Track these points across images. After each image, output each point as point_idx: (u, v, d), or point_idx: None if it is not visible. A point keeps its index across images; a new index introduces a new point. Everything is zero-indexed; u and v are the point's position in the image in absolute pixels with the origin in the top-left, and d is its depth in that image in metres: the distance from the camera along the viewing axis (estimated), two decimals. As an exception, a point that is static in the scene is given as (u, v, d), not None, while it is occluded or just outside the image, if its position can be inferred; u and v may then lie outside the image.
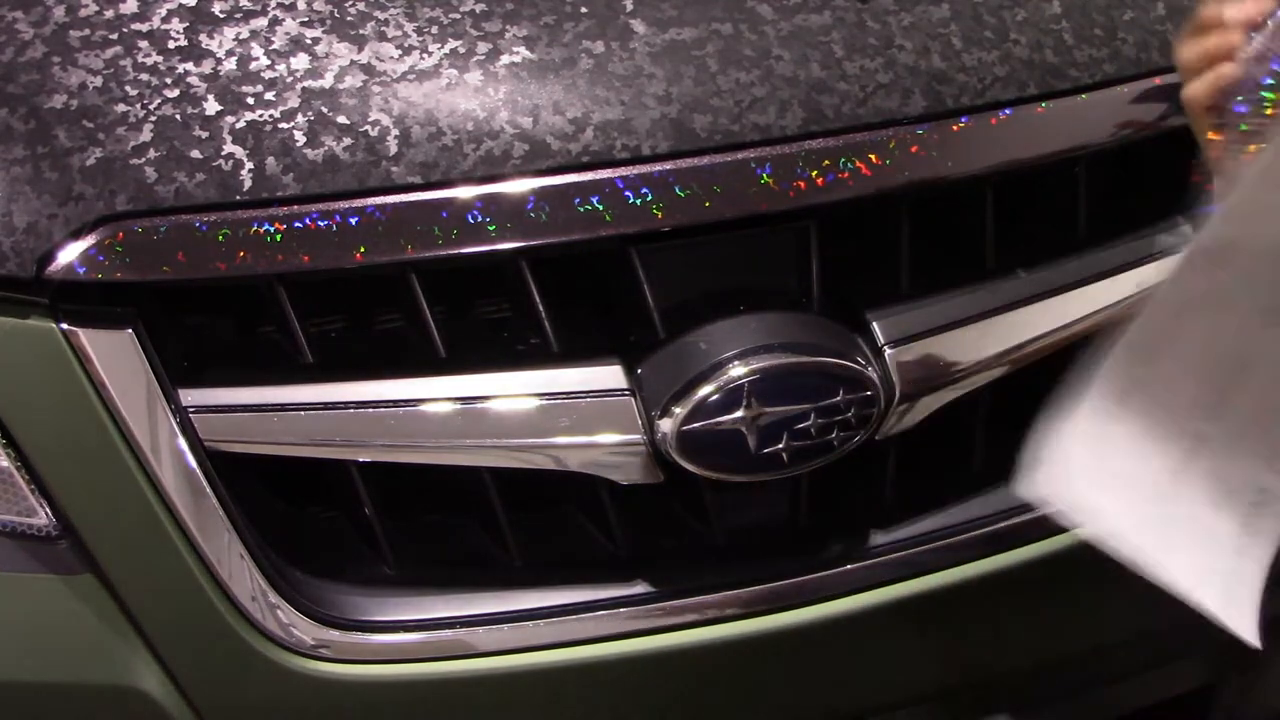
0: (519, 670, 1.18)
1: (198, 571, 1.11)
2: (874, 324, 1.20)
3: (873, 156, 1.18)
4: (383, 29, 1.13)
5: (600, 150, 1.12)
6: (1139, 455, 0.96)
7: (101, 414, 1.07)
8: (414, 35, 1.13)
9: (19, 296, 1.06)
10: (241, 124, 1.08)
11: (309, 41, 1.12)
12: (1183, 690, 1.48)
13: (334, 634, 1.15)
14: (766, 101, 1.16)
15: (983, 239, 1.28)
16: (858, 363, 1.17)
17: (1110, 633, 1.39)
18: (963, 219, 1.28)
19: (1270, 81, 1.01)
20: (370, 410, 1.12)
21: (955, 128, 1.21)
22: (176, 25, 1.12)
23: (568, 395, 1.14)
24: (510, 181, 1.11)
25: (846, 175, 1.17)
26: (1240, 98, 1.02)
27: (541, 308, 1.15)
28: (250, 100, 1.09)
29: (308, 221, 1.08)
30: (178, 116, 1.08)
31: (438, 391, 1.13)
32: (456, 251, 1.10)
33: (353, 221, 1.08)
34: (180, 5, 1.13)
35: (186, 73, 1.10)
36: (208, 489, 1.10)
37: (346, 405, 1.12)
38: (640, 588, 1.20)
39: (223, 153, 1.08)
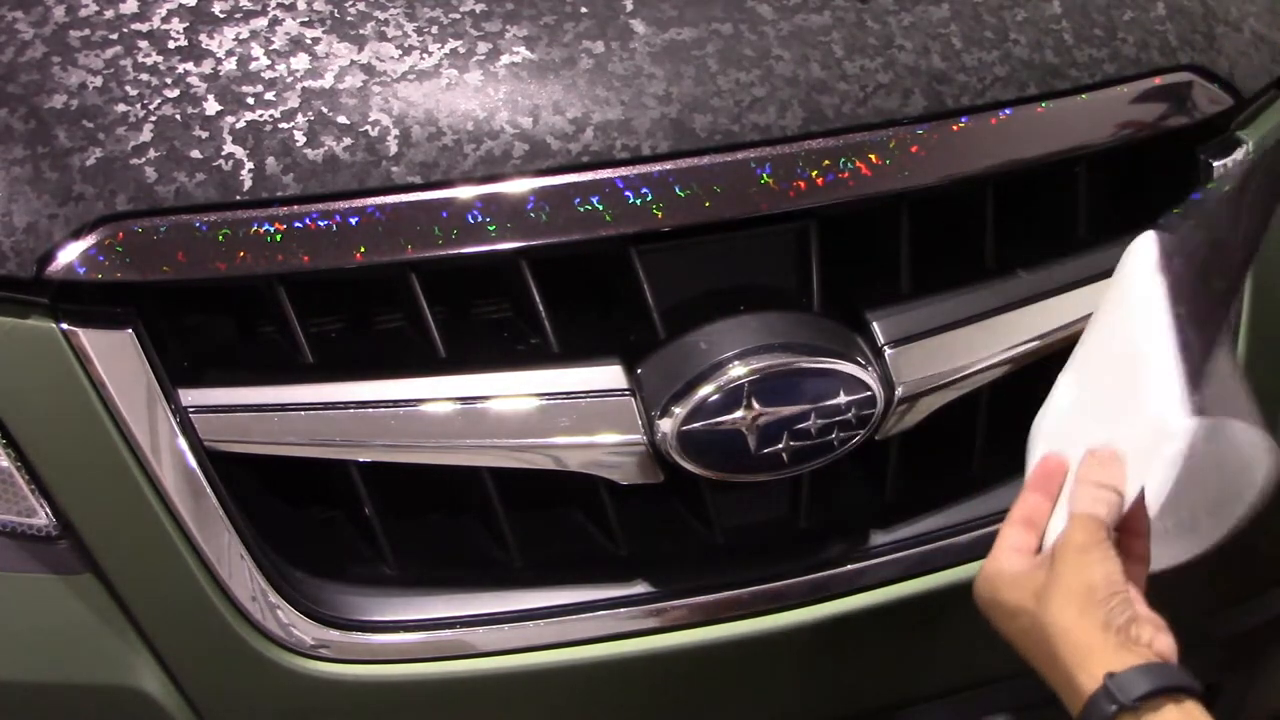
0: (519, 670, 1.18)
1: (198, 571, 1.11)
2: (874, 324, 1.20)
3: (873, 156, 1.18)
4: (383, 29, 1.13)
5: (600, 150, 1.12)
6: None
7: (101, 414, 1.07)
8: (414, 35, 1.13)
9: (19, 296, 1.06)
10: (241, 124, 1.08)
11: (309, 41, 1.12)
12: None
13: (334, 634, 1.15)
14: (766, 101, 1.16)
15: (982, 239, 1.28)
16: (858, 363, 1.17)
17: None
18: (962, 219, 1.28)
19: None
20: (370, 410, 1.12)
21: (955, 128, 1.21)
22: (176, 25, 1.12)
23: (568, 395, 1.14)
24: (510, 181, 1.11)
25: (846, 175, 1.17)
26: None
27: (541, 308, 1.15)
28: (250, 100, 1.09)
29: (308, 221, 1.08)
30: (178, 116, 1.08)
31: (438, 391, 1.13)
32: (456, 251, 1.10)
33: (353, 221, 1.08)
34: (180, 5, 1.13)
35: (186, 73, 1.10)
36: (208, 489, 1.10)
37: (346, 405, 1.12)
38: (640, 588, 1.20)
39: (223, 153, 1.08)
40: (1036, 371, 1.26)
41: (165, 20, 1.12)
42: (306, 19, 1.13)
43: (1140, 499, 1.07)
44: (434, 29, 1.14)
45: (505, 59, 1.13)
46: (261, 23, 1.12)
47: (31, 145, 1.07)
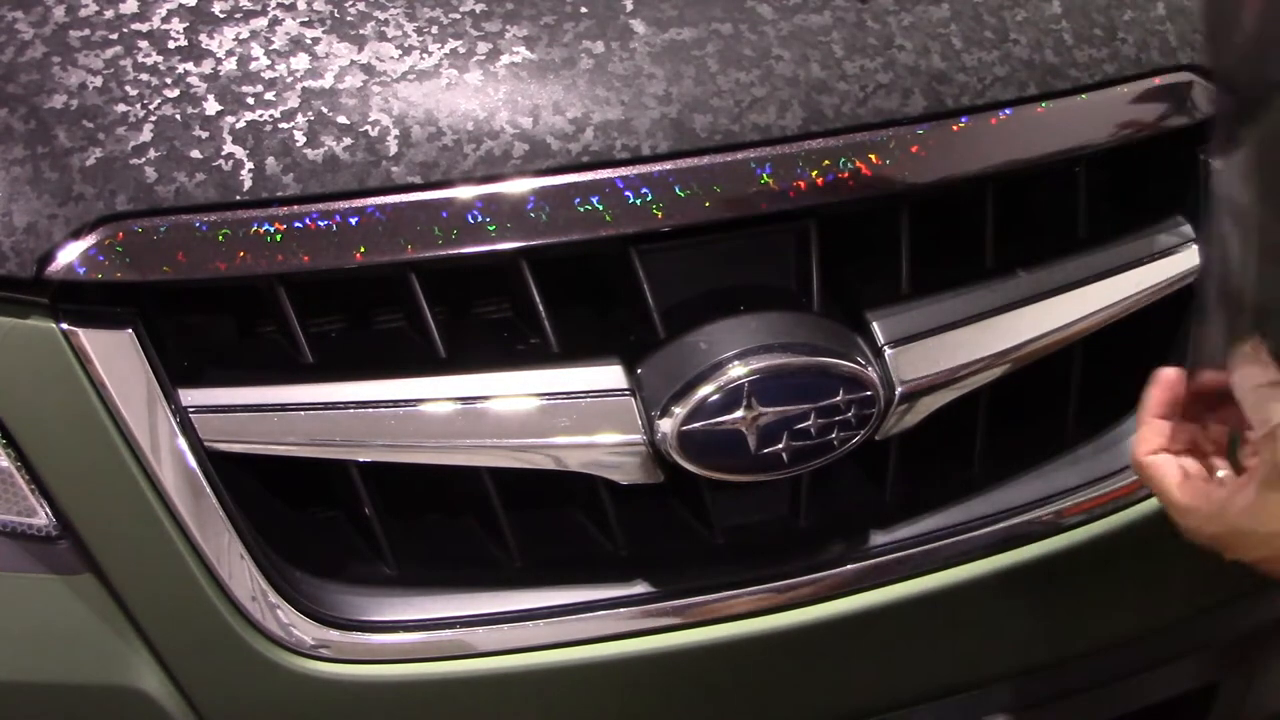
0: (519, 670, 1.18)
1: (198, 572, 1.11)
2: (874, 324, 1.20)
3: (873, 156, 1.18)
4: (383, 29, 1.13)
5: (600, 150, 1.12)
6: None
7: (101, 414, 1.07)
8: (414, 35, 1.13)
9: (19, 296, 1.06)
10: (241, 124, 1.08)
11: (309, 41, 1.12)
12: (1183, 690, 1.48)
13: (334, 634, 1.15)
14: (766, 101, 1.16)
15: (982, 239, 1.28)
16: (858, 363, 1.17)
17: (1110, 633, 1.39)
18: (962, 219, 1.28)
19: None
20: (370, 410, 1.12)
21: (955, 128, 1.21)
22: (176, 25, 1.12)
23: (568, 395, 1.14)
24: (510, 181, 1.11)
25: (846, 175, 1.17)
26: None
27: (541, 308, 1.15)
28: (250, 100, 1.09)
29: (308, 221, 1.08)
30: (178, 116, 1.08)
31: (438, 391, 1.13)
32: (456, 251, 1.10)
33: (353, 221, 1.08)
34: (180, 5, 1.13)
35: (186, 73, 1.10)
36: (208, 489, 1.10)
37: (346, 405, 1.12)
38: (640, 588, 1.20)
39: (223, 153, 1.08)
40: (1036, 371, 1.26)
41: (165, 20, 1.12)
42: (306, 19, 1.13)
43: None
44: (434, 29, 1.14)
45: (505, 59, 1.13)
46: (261, 23, 1.12)
47: (31, 145, 1.07)
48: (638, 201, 1.12)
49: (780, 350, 1.15)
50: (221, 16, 1.12)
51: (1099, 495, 1.33)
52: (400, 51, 1.12)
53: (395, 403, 1.12)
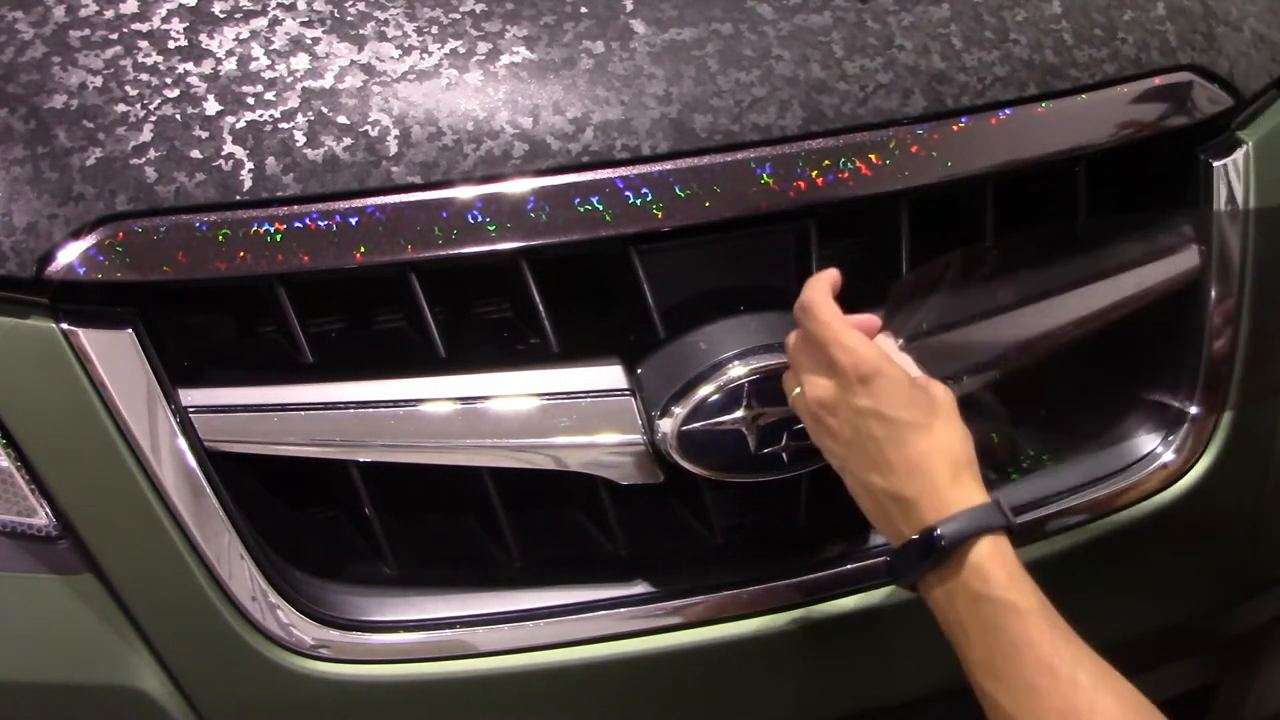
0: (519, 670, 1.18)
1: (198, 571, 1.11)
2: (873, 324, 1.20)
3: (873, 156, 1.18)
4: (383, 29, 1.13)
5: (600, 150, 1.12)
6: None
7: (101, 414, 1.07)
8: (414, 35, 1.13)
9: (19, 296, 1.06)
10: (241, 124, 1.08)
11: (309, 41, 1.12)
12: (1183, 690, 1.48)
13: (334, 634, 1.15)
14: (766, 101, 1.16)
15: (982, 239, 1.28)
16: (858, 363, 1.16)
17: (1109, 633, 1.38)
18: (963, 219, 1.28)
19: None
20: (370, 410, 1.12)
21: (955, 128, 1.21)
22: (176, 25, 1.12)
23: (568, 395, 1.14)
24: (510, 181, 1.11)
25: (846, 175, 1.17)
26: None
27: (541, 308, 1.15)
28: (250, 100, 1.09)
29: (308, 221, 1.08)
30: (178, 116, 1.08)
31: (438, 391, 1.13)
32: (456, 251, 1.10)
33: (353, 221, 1.08)
34: (180, 5, 1.13)
35: (186, 73, 1.10)
36: (208, 489, 1.10)
37: (346, 405, 1.12)
38: (640, 588, 1.20)
39: (223, 153, 1.08)
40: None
41: (165, 20, 1.12)
42: (306, 19, 1.13)
43: None
44: (434, 29, 1.14)
45: (505, 59, 1.13)
46: (261, 23, 1.12)
47: (31, 145, 1.07)
48: (638, 201, 1.12)
49: (780, 350, 1.15)
50: (221, 16, 1.12)
51: (1098, 495, 1.33)
52: (400, 51, 1.12)
53: (395, 403, 1.12)
